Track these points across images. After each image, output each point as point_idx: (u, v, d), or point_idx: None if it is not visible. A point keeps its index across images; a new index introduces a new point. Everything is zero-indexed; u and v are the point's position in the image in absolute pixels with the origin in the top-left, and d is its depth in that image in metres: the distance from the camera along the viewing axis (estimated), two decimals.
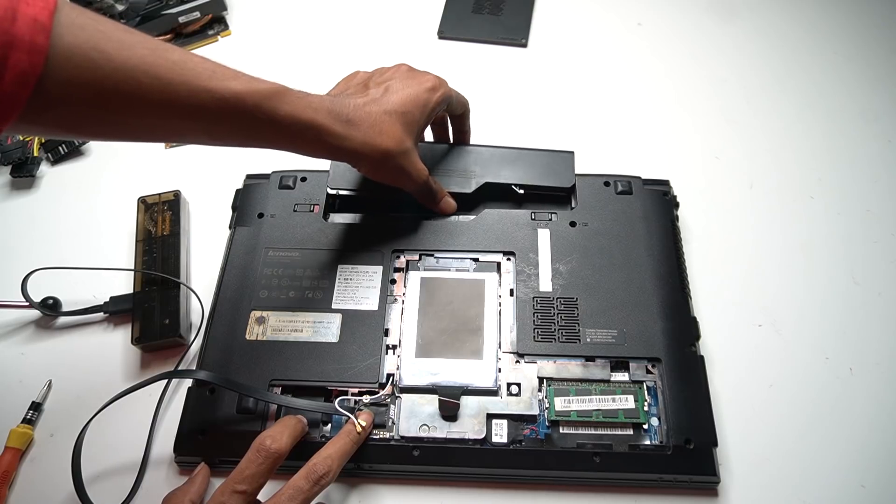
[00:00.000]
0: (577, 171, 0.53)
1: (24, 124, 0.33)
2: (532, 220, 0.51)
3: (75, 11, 0.32)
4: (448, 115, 0.53)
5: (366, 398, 0.44)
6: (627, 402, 0.43)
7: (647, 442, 0.43)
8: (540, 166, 0.52)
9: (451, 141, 0.55)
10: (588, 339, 0.45)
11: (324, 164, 0.54)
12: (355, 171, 0.48)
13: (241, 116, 0.38)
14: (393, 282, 0.49)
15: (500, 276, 0.49)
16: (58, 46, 0.31)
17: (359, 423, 0.41)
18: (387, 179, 0.47)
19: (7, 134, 0.40)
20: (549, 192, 0.52)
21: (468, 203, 0.52)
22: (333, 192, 0.52)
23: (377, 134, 0.43)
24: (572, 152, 0.53)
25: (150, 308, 0.50)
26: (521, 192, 0.52)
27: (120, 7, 0.67)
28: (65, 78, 0.32)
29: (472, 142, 0.55)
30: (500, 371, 0.45)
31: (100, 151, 0.62)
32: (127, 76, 0.33)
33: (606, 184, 0.53)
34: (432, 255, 0.50)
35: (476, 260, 0.50)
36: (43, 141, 0.61)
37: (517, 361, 0.45)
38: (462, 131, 0.54)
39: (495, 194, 0.52)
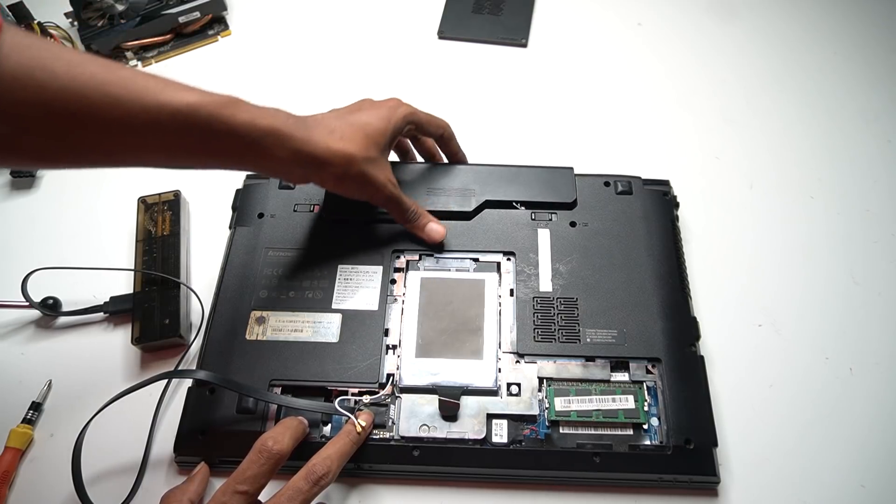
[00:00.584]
0: (577, 172, 0.53)
1: None
2: (532, 220, 0.51)
3: (21, 34, 0.32)
4: (434, 140, 0.52)
5: (366, 398, 0.44)
6: (627, 402, 0.43)
7: (647, 442, 0.43)
8: (539, 183, 0.52)
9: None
10: (588, 340, 0.45)
11: None
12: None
13: (197, 128, 0.37)
14: (393, 282, 0.49)
15: (500, 276, 0.49)
16: (3, 66, 0.31)
17: (359, 423, 0.41)
18: (353, 191, 0.45)
19: None
20: (548, 210, 0.52)
21: (468, 218, 0.51)
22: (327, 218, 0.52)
23: (339, 139, 0.43)
24: (572, 168, 0.53)
25: (150, 308, 0.50)
26: (522, 208, 0.52)
27: (120, 7, 0.67)
28: (11, 98, 0.31)
29: (471, 149, 0.55)
30: (500, 371, 0.45)
31: None
32: (76, 94, 0.33)
33: (606, 184, 0.53)
34: (432, 255, 0.50)
35: (476, 260, 0.50)
36: None
37: (517, 361, 0.45)
38: (454, 154, 0.53)
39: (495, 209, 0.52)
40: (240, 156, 0.40)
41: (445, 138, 0.52)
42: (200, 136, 0.37)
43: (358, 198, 0.46)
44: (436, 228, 0.49)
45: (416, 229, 0.49)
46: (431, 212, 0.51)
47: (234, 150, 0.39)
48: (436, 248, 0.50)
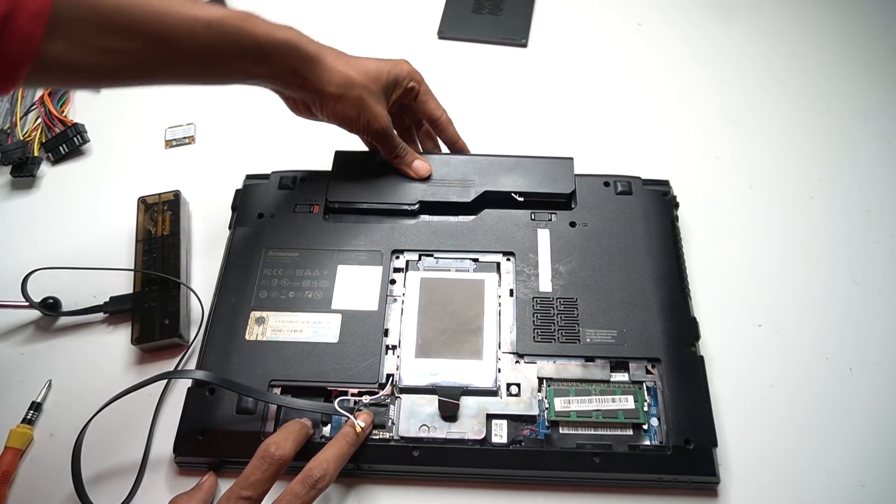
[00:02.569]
0: (576, 172, 0.53)
1: (36, 70, 0.35)
2: (532, 220, 0.51)
3: None
4: (431, 125, 0.54)
5: (365, 398, 0.44)
6: (627, 402, 0.43)
7: (647, 442, 0.43)
8: (539, 173, 0.52)
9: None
10: (588, 340, 0.45)
11: (323, 163, 0.54)
12: (354, 182, 0.51)
13: (225, 37, 0.41)
14: (393, 282, 0.49)
15: (499, 276, 0.49)
16: None
17: (358, 423, 0.41)
18: (347, 116, 0.48)
19: (22, 87, 0.43)
20: (548, 199, 0.52)
21: (467, 209, 0.52)
22: (333, 203, 0.52)
23: (345, 64, 0.47)
24: (571, 158, 0.53)
25: (149, 308, 0.50)
26: (521, 199, 0.52)
27: None
28: (67, 16, 0.35)
29: (471, 148, 0.55)
30: (499, 371, 0.45)
31: (100, 151, 0.62)
32: (124, 11, 0.37)
33: (606, 184, 0.53)
34: (432, 256, 0.50)
35: (476, 260, 0.50)
36: (44, 140, 0.61)
37: (517, 362, 0.45)
38: (454, 141, 0.54)
39: (494, 201, 0.52)
40: (257, 62, 0.44)
41: (443, 123, 0.54)
42: (227, 43, 0.42)
43: (352, 126, 0.49)
44: (422, 164, 0.52)
45: (404, 164, 0.52)
46: (430, 203, 0.51)
47: (255, 56, 0.43)
48: (424, 180, 0.52)
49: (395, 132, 0.51)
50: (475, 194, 0.51)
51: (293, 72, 0.45)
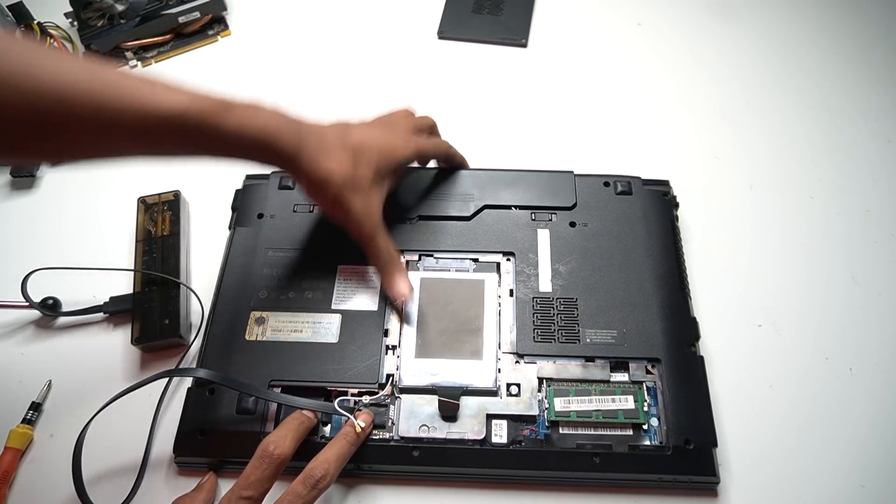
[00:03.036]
0: (576, 172, 0.53)
1: None
2: (532, 220, 0.51)
3: (6, 40, 0.33)
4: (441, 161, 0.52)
5: (365, 398, 0.44)
6: (627, 402, 0.43)
7: (647, 442, 0.43)
8: (539, 187, 0.52)
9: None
10: (588, 340, 0.45)
11: None
12: None
13: (186, 133, 0.36)
14: None
15: (499, 276, 0.49)
16: None
17: (358, 423, 0.41)
18: (330, 214, 0.44)
19: None
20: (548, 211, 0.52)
21: (467, 220, 0.52)
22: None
23: (326, 157, 0.41)
24: (572, 172, 0.53)
25: (149, 308, 0.50)
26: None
27: (120, 7, 0.67)
28: None
29: (471, 149, 0.55)
30: (499, 371, 0.45)
31: None
32: (60, 100, 0.33)
33: (606, 184, 0.53)
34: (432, 256, 0.50)
35: (476, 260, 0.50)
36: None
37: (517, 362, 0.45)
38: (459, 167, 0.54)
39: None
40: (229, 158, 0.40)
41: (448, 158, 0.52)
42: (189, 140, 0.37)
43: (337, 222, 0.45)
44: (402, 286, 0.46)
45: (384, 277, 0.46)
46: (429, 217, 0.51)
47: (223, 154, 0.39)
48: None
49: (379, 236, 0.45)
50: (475, 208, 0.51)
51: (270, 165, 0.41)
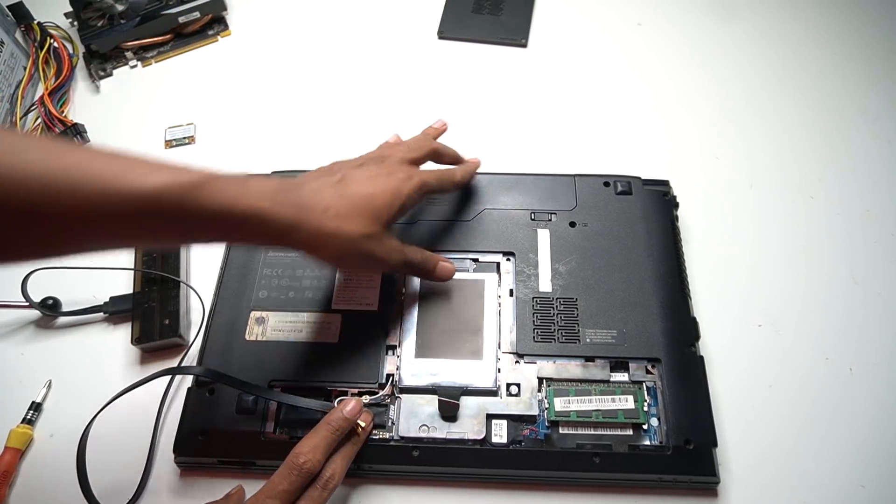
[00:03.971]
0: (576, 172, 0.53)
1: None
2: (532, 220, 0.51)
3: None
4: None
5: (365, 398, 0.44)
6: (627, 402, 0.43)
7: (647, 442, 0.43)
8: (540, 191, 0.52)
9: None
10: (588, 340, 0.45)
11: (323, 164, 0.54)
12: None
13: (166, 215, 0.33)
14: (393, 282, 0.49)
15: (499, 276, 0.49)
16: None
17: (358, 423, 0.41)
18: (355, 269, 0.44)
19: None
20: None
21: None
22: None
23: (334, 217, 0.38)
24: (573, 176, 0.53)
25: (150, 308, 0.50)
26: None
27: (120, 7, 0.67)
28: None
29: (471, 150, 0.55)
30: (499, 371, 0.45)
31: None
32: (15, 189, 0.29)
33: (606, 184, 0.53)
34: None
35: (476, 260, 0.50)
36: None
37: (517, 362, 0.45)
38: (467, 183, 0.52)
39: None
40: (219, 238, 0.37)
41: (457, 183, 0.49)
42: (170, 222, 0.33)
43: (362, 273, 0.47)
44: (446, 268, 0.46)
45: (432, 278, 0.46)
46: (429, 221, 0.51)
47: (212, 234, 0.36)
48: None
49: (409, 255, 0.43)
50: (474, 214, 0.52)
51: (269, 244, 0.38)
